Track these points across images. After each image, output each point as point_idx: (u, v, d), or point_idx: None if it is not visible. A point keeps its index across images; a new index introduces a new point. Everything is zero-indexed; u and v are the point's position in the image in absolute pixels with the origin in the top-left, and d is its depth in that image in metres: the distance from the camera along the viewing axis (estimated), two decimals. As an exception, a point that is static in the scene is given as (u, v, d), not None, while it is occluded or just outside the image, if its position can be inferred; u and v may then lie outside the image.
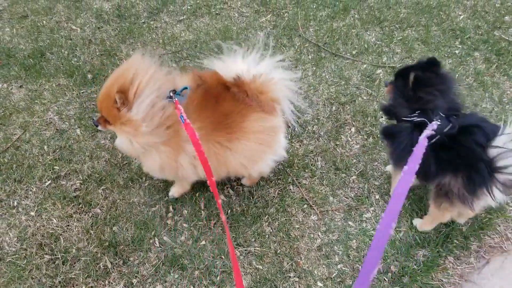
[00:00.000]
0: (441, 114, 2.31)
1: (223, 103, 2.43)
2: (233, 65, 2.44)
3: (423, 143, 2.00)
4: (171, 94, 2.35)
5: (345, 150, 3.37)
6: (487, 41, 4.17)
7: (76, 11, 4.64)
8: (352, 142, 3.42)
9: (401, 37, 4.24)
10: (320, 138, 3.45)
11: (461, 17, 4.47)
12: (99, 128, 2.56)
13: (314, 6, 4.66)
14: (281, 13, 4.57)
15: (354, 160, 3.31)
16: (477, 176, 2.20)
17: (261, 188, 3.13)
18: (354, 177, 3.21)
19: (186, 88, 2.40)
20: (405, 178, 1.69)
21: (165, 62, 3.98)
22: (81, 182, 3.17)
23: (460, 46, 4.16)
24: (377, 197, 3.09)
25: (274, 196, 3.09)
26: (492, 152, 2.15)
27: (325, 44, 4.20)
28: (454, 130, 2.25)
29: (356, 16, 4.52)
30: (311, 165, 3.28)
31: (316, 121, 3.56)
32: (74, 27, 4.46)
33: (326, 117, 3.58)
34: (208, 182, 2.05)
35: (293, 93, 2.61)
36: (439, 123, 2.25)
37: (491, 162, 2.15)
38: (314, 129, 3.51)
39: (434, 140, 2.26)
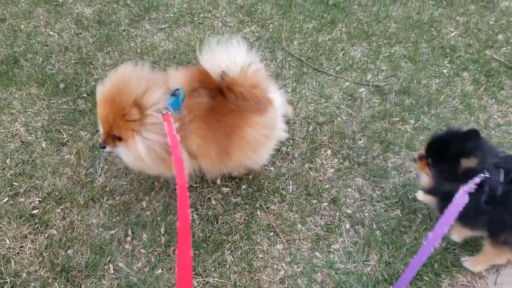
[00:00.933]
0: (488, 166, 2.14)
1: (225, 118, 2.42)
2: (218, 58, 2.39)
3: (460, 201, 2.02)
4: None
5: (318, 174, 3.22)
6: (477, 61, 3.99)
7: (56, 15, 4.52)
8: (326, 166, 3.27)
9: (388, 54, 4.08)
10: (294, 160, 3.30)
11: (453, 34, 4.29)
12: (107, 149, 2.50)
13: (301, 18, 4.50)
14: (266, 24, 4.42)
15: (327, 185, 3.16)
16: None
17: (227, 213, 2.98)
18: (325, 203, 3.06)
19: (178, 89, 2.36)
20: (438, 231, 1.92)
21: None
22: (40, 199, 3.04)
23: (449, 65, 3.99)
24: (347, 226, 2.94)
25: (239, 222, 2.95)
26: None
27: (308, 59, 4.04)
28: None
29: (343, 29, 4.36)
30: (282, 189, 3.13)
31: (291, 141, 3.41)
32: (51, 33, 4.33)
33: (302, 137, 3.43)
34: (177, 186, 1.96)
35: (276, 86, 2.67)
36: (487, 175, 2.11)
37: None
38: (288, 150, 3.36)
39: (489, 192, 2.12)
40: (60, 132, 3.48)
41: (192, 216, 2.98)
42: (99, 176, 3.20)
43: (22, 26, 4.44)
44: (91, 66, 3.99)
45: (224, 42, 2.43)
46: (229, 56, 2.38)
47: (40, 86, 3.79)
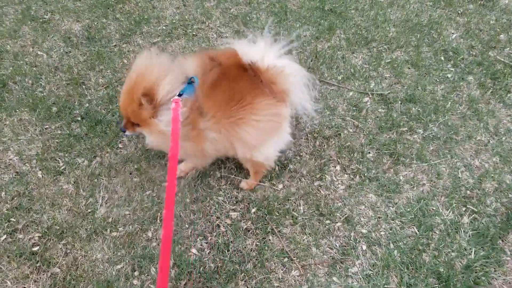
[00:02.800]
0: None
1: (238, 82, 2.51)
2: (251, 50, 2.49)
3: None
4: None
5: (329, 192, 3.11)
6: (481, 63, 3.90)
7: (43, 33, 4.33)
8: (337, 182, 3.16)
9: (390, 60, 3.97)
10: (303, 178, 3.18)
11: (454, 35, 4.20)
12: (127, 133, 2.69)
13: (298, 25, 4.37)
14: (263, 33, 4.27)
15: (339, 204, 3.04)
16: None
17: (238, 240, 2.85)
18: (339, 223, 2.94)
19: (193, 78, 2.49)
20: None
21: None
22: (40, 235, 2.88)
23: (453, 69, 3.89)
24: (364, 247, 2.83)
25: (251, 249, 2.83)
26: None
27: (309, 69, 3.92)
28: None
29: (342, 35, 4.24)
30: (293, 210, 3.01)
31: (298, 158, 3.29)
32: (40, 52, 4.15)
33: (309, 153, 3.31)
34: (167, 184, 2.01)
35: (304, 86, 2.69)
36: None
37: None
38: (296, 167, 3.23)
39: None
40: (56, 160, 3.32)
41: (201, 245, 2.85)
42: (100, 206, 3.05)
43: (8, 46, 4.25)
44: (84, 86, 3.83)
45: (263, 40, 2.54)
46: (259, 53, 2.47)
47: (31, 110, 3.61)
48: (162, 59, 2.52)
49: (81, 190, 3.14)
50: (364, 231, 2.90)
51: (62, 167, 3.27)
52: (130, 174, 3.24)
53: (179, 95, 2.42)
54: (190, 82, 2.49)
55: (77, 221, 2.96)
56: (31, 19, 4.56)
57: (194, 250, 2.82)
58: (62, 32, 4.37)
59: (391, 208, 3.01)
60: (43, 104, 3.64)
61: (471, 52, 4.03)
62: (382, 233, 2.89)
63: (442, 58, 3.98)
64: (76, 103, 3.68)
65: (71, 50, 4.18)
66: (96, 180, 3.19)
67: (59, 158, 3.32)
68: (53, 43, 4.26)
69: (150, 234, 2.91)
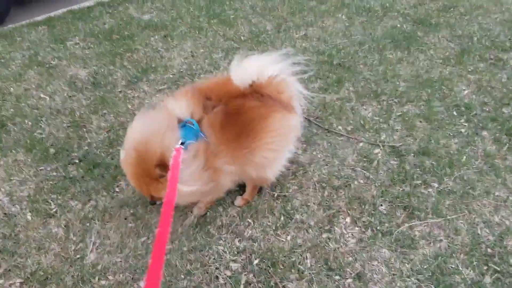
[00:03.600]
0: None
1: (244, 114, 2.45)
2: (246, 71, 2.49)
3: None
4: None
5: (339, 245, 2.86)
6: (495, 119, 3.78)
7: (48, 78, 4.29)
8: (347, 235, 2.92)
9: (400, 113, 3.86)
10: (310, 230, 2.95)
11: (465, 92, 4.11)
12: (158, 202, 2.50)
13: (305, 78, 4.30)
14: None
15: (350, 258, 2.79)
16: None
17: (238, 294, 2.59)
18: (349, 280, 2.68)
19: (189, 120, 2.39)
20: None
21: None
22: (22, 281, 2.63)
23: (466, 124, 3.76)
24: (377, 308, 2.55)
25: (253, 305, 2.55)
26: None
27: (317, 119, 3.80)
28: None
29: (351, 88, 4.17)
30: (299, 263, 2.76)
31: (305, 208, 3.08)
32: (43, 95, 4.08)
33: (317, 203, 3.11)
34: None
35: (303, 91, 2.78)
36: None
37: None
38: (303, 217, 3.02)
39: None
40: (47, 202, 3.12)
41: (198, 299, 2.58)
42: (90, 252, 2.81)
43: (12, 89, 4.20)
44: (84, 129, 3.71)
45: (255, 57, 2.56)
46: (258, 69, 2.48)
47: (27, 152, 3.47)
48: (154, 116, 2.44)
49: (71, 235, 2.92)
50: (377, 289, 2.63)
51: (54, 210, 3.07)
52: (125, 219, 3.03)
53: (182, 143, 2.28)
54: (184, 125, 2.38)
55: (64, 267, 2.72)
56: (37, 64, 4.55)
57: (188, 304, 2.54)
58: (68, 77, 4.33)
59: (406, 264, 2.76)
60: (41, 146, 3.51)
61: (484, 108, 3.92)
62: (398, 291, 2.62)
63: (455, 113, 3.87)
64: (75, 146, 3.55)
65: (75, 94, 4.11)
66: (88, 224, 2.98)
67: (52, 201, 3.13)
68: (57, 87, 4.20)
69: (142, 284, 2.64)
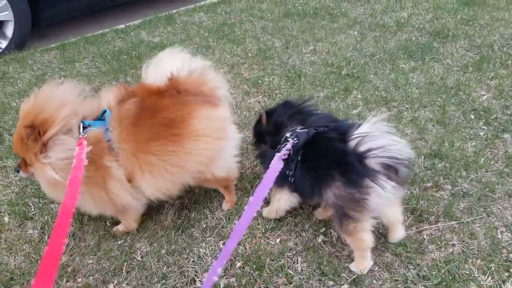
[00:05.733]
0: (296, 131, 2.27)
1: (161, 113, 2.24)
2: (166, 66, 2.36)
3: (275, 167, 2.08)
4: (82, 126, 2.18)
5: (335, 249, 2.54)
6: (517, 122, 3.42)
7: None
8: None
9: (411, 118, 3.56)
10: (303, 233, 2.65)
11: (485, 97, 3.78)
12: (21, 173, 2.36)
13: (312, 87, 4.10)
14: (273, 94, 4.03)
15: (347, 263, 2.45)
16: (352, 171, 2.00)
17: (215, 298, 2.28)
18: (345, 286, 2.34)
19: (105, 111, 2.24)
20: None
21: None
22: (-17, 282, 2.42)
23: (485, 128, 3.41)
24: (376, 316, 2.18)
25: (231, 310, 2.23)
26: (352, 143, 2.02)
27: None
28: (309, 136, 2.19)
29: (359, 96, 3.91)
30: (288, 267, 2.44)
31: (299, 211, 2.78)
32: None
33: (313, 204, 2.80)
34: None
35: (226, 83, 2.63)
36: (294, 141, 2.21)
37: (356, 152, 1.99)
38: (296, 220, 2.72)
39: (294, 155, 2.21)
40: (28, 205, 2.98)
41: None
42: (63, 254, 2.59)
43: (14, 103, 4.17)
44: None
45: (169, 55, 2.48)
46: (177, 65, 2.34)
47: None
48: (68, 90, 2.32)
49: (46, 237, 2.72)
50: (376, 296, 2.27)
51: (32, 213, 2.91)
52: (105, 222, 2.81)
53: (84, 128, 2.18)
54: (101, 117, 2.27)
55: (32, 268, 2.52)
56: (43, 82, 4.53)
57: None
58: (70, 81, 4.28)
59: (412, 270, 2.39)
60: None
61: (505, 112, 3.57)
62: (400, 299, 2.25)
63: (472, 116, 3.54)
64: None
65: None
66: (65, 227, 2.76)
67: (32, 204, 2.99)
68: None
69: (111, 286, 2.39)
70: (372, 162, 1.98)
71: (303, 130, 2.25)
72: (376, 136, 1.99)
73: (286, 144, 2.21)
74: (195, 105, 2.29)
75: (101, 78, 4.52)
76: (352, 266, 2.40)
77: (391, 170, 2.02)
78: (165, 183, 2.30)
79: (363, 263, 2.34)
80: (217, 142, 2.37)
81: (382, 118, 2.07)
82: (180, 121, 2.24)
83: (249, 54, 4.79)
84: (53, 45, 5.55)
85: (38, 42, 5.81)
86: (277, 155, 2.15)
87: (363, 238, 2.21)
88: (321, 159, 2.18)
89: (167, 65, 2.36)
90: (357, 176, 2.01)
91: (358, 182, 2.01)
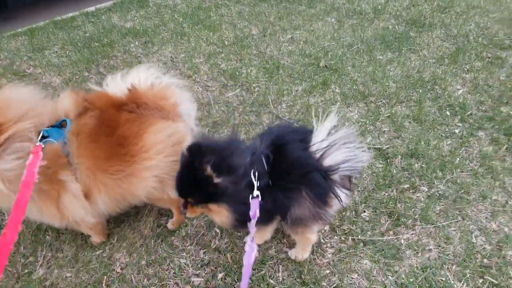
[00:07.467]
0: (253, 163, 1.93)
1: (117, 130, 2.13)
2: (127, 77, 2.29)
3: (255, 205, 1.85)
4: (39, 135, 2.05)
5: (315, 257, 2.57)
6: (492, 119, 3.48)
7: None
8: (325, 246, 2.63)
9: (389, 114, 3.57)
10: (284, 239, 2.66)
11: (460, 91, 3.82)
12: None
13: (290, 80, 4.06)
14: (251, 88, 3.97)
15: (327, 271, 2.49)
16: (319, 192, 1.98)
17: (197, 312, 2.29)
18: (325, 295, 2.37)
19: (64, 120, 2.15)
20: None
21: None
22: (-43, 299, 2.36)
23: (461, 125, 3.46)
24: (355, 326, 2.23)
25: (212, 324, 2.25)
26: (315, 157, 1.95)
27: (299, 122, 3.53)
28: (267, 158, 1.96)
29: (337, 90, 3.90)
30: (269, 277, 2.46)
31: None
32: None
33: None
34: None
35: (191, 99, 2.51)
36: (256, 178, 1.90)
37: (321, 169, 1.94)
38: (277, 226, 2.72)
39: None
40: (1, 213, 2.88)
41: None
42: (40, 266, 2.56)
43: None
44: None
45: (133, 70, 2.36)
46: (139, 77, 2.28)
47: None
48: (29, 93, 2.18)
49: (22, 248, 2.66)
50: (356, 305, 2.32)
51: (5, 222, 2.81)
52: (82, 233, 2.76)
53: (43, 137, 2.05)
54: (59, 125, 2.15)
55: (8, 283, 2.45)
56: (12, 73, 4.35)
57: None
58: (41, 85, 4.12)
59: (390, 277, 2.44)
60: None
61: (480, 108, 3.63)
62: (379, 307, 2.31)
63: (448, 113, 3.58)
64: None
65: (45, 101, 3.89)
66: (41, 236, 2.72)
67: (5, 212, 2.88)
68: (27, 95, 3.98)
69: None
70: (335, 176, 2.00)
71: (258, 157, 1.97)
72: (337, 146, 1.97)
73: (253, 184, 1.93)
74: (151, 120, 2.20)
75: (72, 69, 4.36)
76: (292, 254, 2.54)
77: (346, 178, 2.08)
78: (123, 202, 2.27)
79: (303, 255, 2.51)
80: (170, 158, 2.24)
81: (336, 123, 2.07)
82: (133, 138, 2.15)
83: (226, 43, 4.69)
84: (20, 29, 5.30)
85: (4, 24, 5.54)
86: (252, 202, 1.89)
87: (310, 237, 2.35)
88: (289, 177, 2.02)
89: (132, 77, 2.28)
90: (324, 195, 2.02)
91: (325, 201, 2.04)
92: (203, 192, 1.88)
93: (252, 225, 1.82)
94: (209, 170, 1.79)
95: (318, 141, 1.98)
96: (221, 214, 1.94)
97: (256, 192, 1.89)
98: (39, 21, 5.51)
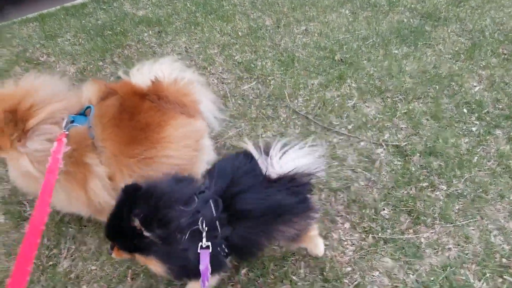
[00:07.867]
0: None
1: (139, 116, 2.22)
2: (153, 69, 2.37)
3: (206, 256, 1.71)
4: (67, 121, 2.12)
5: (336, 254, 2.60)
6: (509, 117, 3.49)
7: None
8: (345, 243, 2.66)
9: (406, 110, 3.58)
10: (305, 236, 2.68)
11: (477, 88, 3.82)
12: None
13: (306, 73, 4.05)
14: (267, 81, 3.97)
15: (349, 268, 2.52)
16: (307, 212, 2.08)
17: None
18: (347, 292, 2.41)
19: (89, 107, 2.21)
20: None
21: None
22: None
23: (478, 122, 3.47)
24: (378, 324, 2.27)
25: (238, 320, 2.29)
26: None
27: (316, 117, 3.54)
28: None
29: (353, 84, 3.89)
30: (292, 273, 2.50)
31: (300, 212, 2.81)
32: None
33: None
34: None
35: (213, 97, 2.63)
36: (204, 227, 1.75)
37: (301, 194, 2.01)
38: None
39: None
40: (22, 204, 2.91)
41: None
42: (64, 258, 2.59)
43: (-4, 85, 3.98)
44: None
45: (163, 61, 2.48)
46: (163, 70, 2.36)
47: None
48: (55, 82, 2.28)
49: (46, 240, 2.69)
50: (378, 302, 2.36)
51: (28, 212, 2.84)
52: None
53: (71, 122, 2.13)
54: (83, 113, 2.23)
55: (34, 275, 2.49)
56: (25, 61, 4.34)
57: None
58: (55, 73, 4.11)
59: (411, 275, 2.48)
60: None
61: (497, 106, 3.63)
62: (401, 306, 2.34)
63: (465, 110, 3.58)
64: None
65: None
66: (64, 228, 2.75)
67: (27, 202, 2.91)
68: (43, 83, 3.97)
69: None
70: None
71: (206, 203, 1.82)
72: (300, 166, 1.92)
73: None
74: (172, 113, 2.28)
75: (86, 58, 4.34)
76: (309, 252, 2.57)
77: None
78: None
79: (319, 250, 2.53)
80: (189, 152, 2.35)
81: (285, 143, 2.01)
82: (155, 126, 2.23)
83: (240, 33, 4.67)
84: (31, 15, 5.26)
85: (13, 9, 5.49)
86: (202, 253, 1.73)
87: (311, 234, 2.39)
88: (264, 216, 1.90)
89: (156, 69, 2.35)
90: (313, 213, 2.12)
91: (312, 217, 2.14)
92: (129, 242, 1.74)
93: (207, 277, 1.68)
94: (137, 223, 1.63)
95: (279, 166, 1.90)
96: (152, 265, 1.81)
97: (206, 243, 1.74)
98: (49, 6, 5.46)
